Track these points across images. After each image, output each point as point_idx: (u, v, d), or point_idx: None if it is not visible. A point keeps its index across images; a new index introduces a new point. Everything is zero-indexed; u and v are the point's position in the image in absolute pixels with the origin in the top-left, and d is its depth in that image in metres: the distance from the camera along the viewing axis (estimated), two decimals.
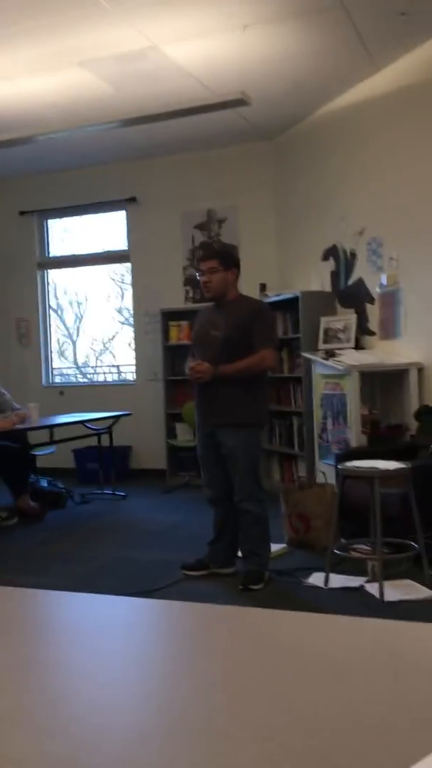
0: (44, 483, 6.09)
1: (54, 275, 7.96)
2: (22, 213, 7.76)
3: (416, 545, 3.58)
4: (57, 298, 8.02)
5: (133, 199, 7.33)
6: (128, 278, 7.55)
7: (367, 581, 3.62)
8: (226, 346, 3.61)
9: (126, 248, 7.51)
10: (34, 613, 1.22)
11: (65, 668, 0.97)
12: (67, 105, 5.57)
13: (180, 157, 7.09)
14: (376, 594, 3.42)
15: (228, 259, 3.76)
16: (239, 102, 4.67)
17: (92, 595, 1.36)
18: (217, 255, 3.82)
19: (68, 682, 0.92)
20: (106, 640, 1.09)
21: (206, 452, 3.77)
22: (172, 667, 0.98)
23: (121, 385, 7.61)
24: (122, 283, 7.72)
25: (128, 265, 7.51)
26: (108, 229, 7.67)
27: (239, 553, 3.84)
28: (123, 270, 7.64)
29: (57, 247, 7.95)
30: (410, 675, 0.89)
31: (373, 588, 3.50)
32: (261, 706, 0.82)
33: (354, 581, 3.65)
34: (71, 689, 0.90)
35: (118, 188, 7.34)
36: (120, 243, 7.57)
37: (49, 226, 7.94)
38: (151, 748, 0.73)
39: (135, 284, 7.45)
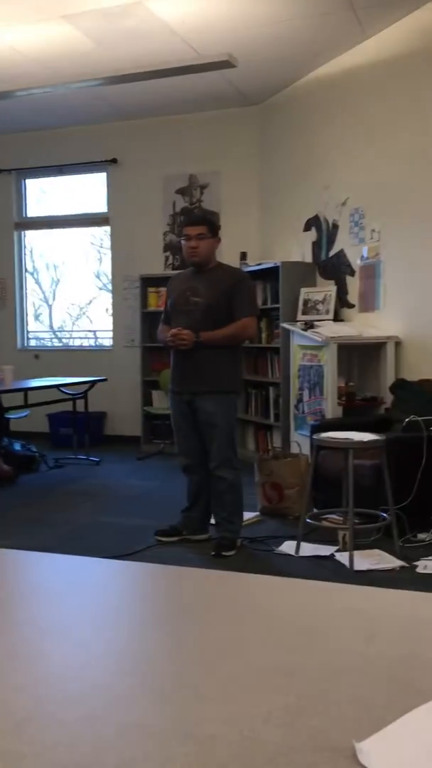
0: (17, 446, 6.06)
1: (31, 237, 7.82)
2: None
3: (387, 516, 3.63)
4: (33, 261, 7.88)
5: (113, 161, 7.20)
6: (107, 242, 7.45)
7: (338, 550, 3.67)
8: (208, 314, 3.61)
9: (105, 211, 7.39)
10: (6, 573, 1.21)
11: (37, 627, 0.96)
12: (48, 60, 5.41)
13: (163, 120, 6.95)
14: (346, 563, 3.47)
15: (214, 226, 3.80)
16: (225, 64, 4.58)
17: (63, 555, 1.36)
18: (205, 221, 3.84)
19: (39, 641, 0.91)
20: (77, 599, 1.08)
21: (183, 420, 3.76)
22: (142, 626, 0.97)
23: (98, 351, 7.55)
24: (101, 247, 7.62)
25: (107, 228, 7.40)
26: (88, 192, 7.53)
27: (212, 521, 3.86)
28: (102, 233, 7.53)
29: (35, 208, 7.79)
30: (381, 638, 0.90)
31: (343, 557, 3.55)
32: (231, 665, 0.82)
33: (325, 550, 3.69)
34: (42, 648, 0.89)
35: (99, 149, 7.20)
36: (99, 206, 7.45)
37: (27, 185, 7.77)
38: (121, 706, 0.73)
39: (114, 248, 7.35)
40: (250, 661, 0.84)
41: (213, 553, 3.65)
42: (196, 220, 3.85)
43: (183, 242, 3.71)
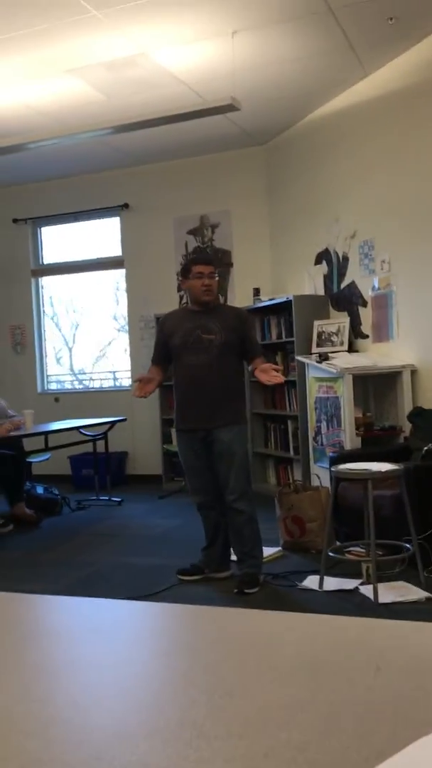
0: (40, 490, 6.09)
1: (50, 282, 7.98)
2: (15, 221, 7.78)
3: (410, 546, 3.59)
4: (53, 306, 8.03)
5: (125, 206, 7.36)
6: (123, 284, 7.57)
7: (362, 583, 3.63)
8: (224, 350, 3.70)
9: (120, 254, 7.53)
10: (24, 617, 1.23)
11: (47, 670, 0.97)
12: (57, 113, 5.59)
13: (172, 164, 7.11)
14: (371, 596, 3.42)
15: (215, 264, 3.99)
16: (229, 107, 4.70)
17: (80, 598, 1.37)
18: (214, 261, 4.00)
19: (52, 683, 0.93)
20: (89, 641, 1.10)
21: (196, 458, 3.77)
22: (152, 666, 0.98)
23: (117, 391, 7.61)
24: (117, 290, 7.74)
25: (123, 271, 7.53)
26: (102, 236, 7.69)
27: (233, 557, 3.85)
28: (118, 276, 7.66)
29: (51, 255, 7.96)
30: (390, 671, 0.90)
31: (367, 590, 3.51)
32: (235, 702, 0.82)
33: (349, 583, 3.65)
34: (54, 690, 0.90)
35: (111, 195, 7.37)
36: (114, 249, 7.59)
37: (42, 233, 7.96)
38: (123, 746, 0.74)
39: (129, 290, 7.47)
40: (255, 697, 0.84)
41: (236, 590, 3.63)
42: (209, 260, 3.97)
43: (192, 281, 3.75)
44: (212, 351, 3.68)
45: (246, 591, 3.62)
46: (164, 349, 3.86)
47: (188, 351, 3.73)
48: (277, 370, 3.65)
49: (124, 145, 6.48)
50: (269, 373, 3.62)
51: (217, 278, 3.81)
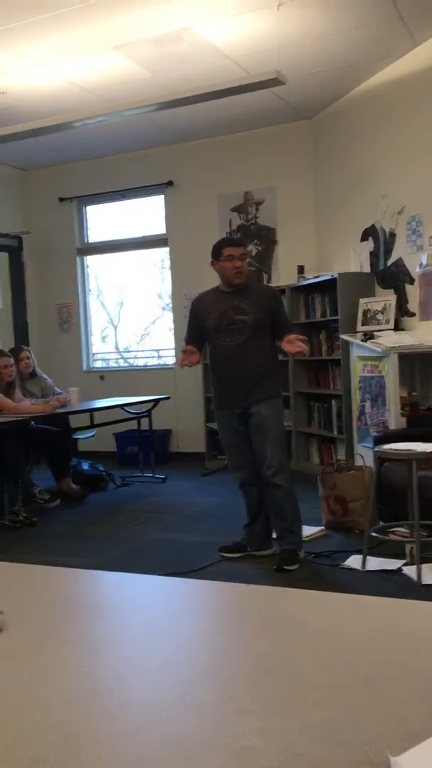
0: (85, 466, 6.19)
1: (95, 261, 8.02)
2: (61, 200, 7.83)
3: None
4: (98, 285, 8.09)
5: (170, 183, 7.33)
6: (168, 263, 7.57)
7: (405, 564, 3.60)
8: (257, 329, 3.72)
9: (164, 233, 7.52)
10: (67, 591, 1.25)
11: (88, 643, 1.00)
12: (102, 90, 5.58)
13: (216, 140, 7.05)
14: (414, 576, 3.40)
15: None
16: (274, 81, 4.61)
17: (122, 573, 1.40)
18: (243, 243, 3.99)
19: (93, 656, 0.95)
20: (129, 616, 1.12)
21: (235, 435, 3.80)
22: (191, 642, 1.00)
23: (161, 370, 7.65)
24: (162, 268, 7.75)
25: (167, 249, 7.52)
26: (146, 214, 7.69)
27: (273, 534, 3.86)
28: (163, 254, 7.66)
29: (96, 233, 8.00)
30: (429, 652, 0.90)
31: (410, 571, 3.48)
32: (273, 679, 0.83)
33: (392, 564, 3.63)
34: (95, 663, 0.92)
35: (156, 173, 7.34)
36: (159, 228, 7.59)
37: (87, 212, 8.00)
38: (162, 719, 0.75)
39: (173, 268, 7.47)
40: (292, 675, 0.85)
41: (275, 567, 3.64)
42: (236, 242, 3.98)
43: (223, 263, 3.76)
44: (246, 331, 3.72)
45: (285, 568, 3.63)
46: (198, 330, 3.90)
47: (222, 332, 3.75)
48: (302, 341, 3.64)
49: (168, 122, 6.44)
50: (294, 344, 3.63)
51: (247, 260, 3.82)
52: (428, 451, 3.47)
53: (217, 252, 3.80)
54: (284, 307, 4.03)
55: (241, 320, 3.71)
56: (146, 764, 0.67)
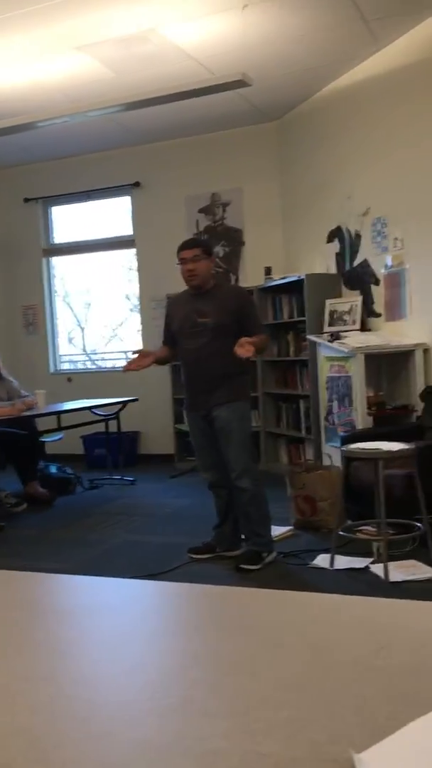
0: (53, 469, 6.14)
1: (62, 262, 7.97)
2: (26, 200, 7.76)
3: (421, 525, 3.59)
4: (65, 286, 8.03)
5: (137, 184, 7.31)
6: (135, 264, 7.55)
7: (373, 562, 3.64)
8: (217, 333, 3.68)
9: (131, 234, 7.50)
10: (33, 596, 1.24)
11: (52, 648, 0.99)
12: (67, 90, 5.55)
13: (183, 141, 7.05)
14: (382, 575, 3.44)
15: (208, 247, 3.90)
16: (240, 83, 4.63)
17: (87, 577, 1.39)
18: (198, 243, 3.94)
19: (59, 661, 0.94)
20: (99, 620, 1.11)
21: (202, 436, 3.81)
22: (156, 645, 0.99)
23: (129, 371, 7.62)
24: (129, 269, 7.72)
25: (134, 250, 7.50)
26: (113, 216, 7.66)
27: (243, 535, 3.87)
28: (130, 256, 7.63)
29: (62, 234, 7.94)
30: (393, 650, 0.91)
31: (378, 569, 3.52)
32: (237, 680, 0.83)
33: (359, 562, 3.67)
34: (60, 668, 0.92)
35: (122, 174, 7.32)
36: (125, 229, 7.56)
37: (53, 212, 7.93)
38: (127, 723, 0.75)
39: (141, 270, 7.45)
40: (258, 675, 0.85)
41: (235, 567, 3.66)
42: (188, 244, 3.86)
43: (180, 267, 3.76)
44: (207, 334, 3.70)
45: (242, 566, 3.65)
46: (170, 331, 3.92)
47: (185, 335, 3.77)
48: (250, 343, 3.52)
49: (134, 122, 6.43)
50: (243, 347, 3.56)
51: (206, 259, 3.74)
52: (394, 450, 3.51)
53: (177, 255, 3.78)
54: (254, 308, 3.92)
55: (203, 323, 3.70)
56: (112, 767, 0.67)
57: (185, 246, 3.87)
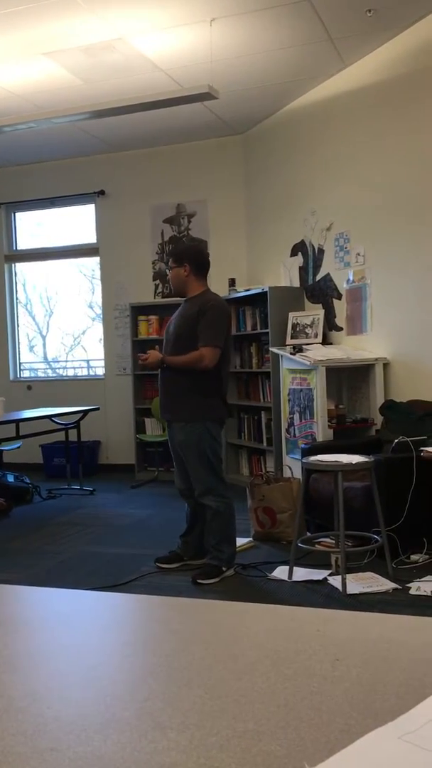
0: (10, 478, 6.04)
1: (24, 269, 7.88)
2: None
3: (379, 538, 3.62)
4: (26, 293, 7.94)
5: (101, 193, 7.29)
6: (98, 272, 7.51)
7: (331, 574, 3.66)
8: (177, 342, 3.65)
9: (95, 242, 7.46)
10: None
11: (8, 660, 0.96)
12: (32, 96, 5.51)
13: (149, 151, 7.06)
14: (339, 586, 3.45)
15: (179, 254, 3.75)
16: (206, 95, 4.66)
17: (41, 588, 1.36)
18: (171, 252, 3.94)
19: (9, 673, 0.92)
20: (52, 632, 1.09)
21: (173, 446, 3.79)
22: (114, 657, 0.98)
23: (91, 380, 7.57)
24: (93, 278, 7.67)
25: (97, 259, 7.46)
26: (77, 223, 7.61)
27: None
28: (93, 264, 7.59)
29: (25, 240, 7.87)
30: (349, 662, 0.91)
31: (336, 581, 3.54)
32: (192, 693, 0.82)
33: (317, 574, 3.68)
34: (11, 680, 0.89)
35: (87, 181, 7.29)
36: (89, 237, 7.52)
37: (16, 218, 7.85)
38: (79, 737, 0.73)
39: (104, 278, 7.41)
40: (213, 688, 0.84)
41: (191, 579, 3.65)
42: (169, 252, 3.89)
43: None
44: (168, 347, 3.68)
45: (199, 581, 3.63)
46: None
47: (164, 342, 3.78)
48: (144, 359, 3.59)
49: (100, 131, 6.41)
50: (147, 353, 3.60)
51: (177, 267, 3.69)
52: (354, 462, 3.54)
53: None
54: (212, 319, 3.61)
55: (168, 334, 3.72)
56: None
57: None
